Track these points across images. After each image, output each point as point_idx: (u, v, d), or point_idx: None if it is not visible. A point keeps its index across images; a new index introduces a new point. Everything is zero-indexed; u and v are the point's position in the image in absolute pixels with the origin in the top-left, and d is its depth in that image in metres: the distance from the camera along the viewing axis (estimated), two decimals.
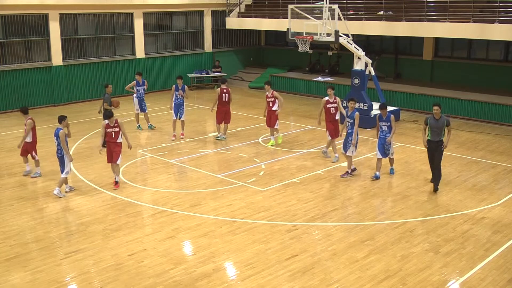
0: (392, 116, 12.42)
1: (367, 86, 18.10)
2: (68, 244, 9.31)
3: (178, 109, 15.96)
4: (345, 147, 12.64)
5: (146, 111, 17.46)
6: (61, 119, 11.50)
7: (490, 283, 7.98)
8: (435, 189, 11.62)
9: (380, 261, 8.66)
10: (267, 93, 15.11)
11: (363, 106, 17.42)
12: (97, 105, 21.36)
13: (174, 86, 15.98)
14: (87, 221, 10.28)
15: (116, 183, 12.01)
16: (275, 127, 15.20)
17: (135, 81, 17.19)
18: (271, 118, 15.08)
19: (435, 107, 11.29)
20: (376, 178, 12.49)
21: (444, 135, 11.44)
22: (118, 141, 11.91)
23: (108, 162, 12.06)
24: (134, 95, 17.23)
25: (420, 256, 8.81)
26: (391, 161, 12.92)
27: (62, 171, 11.52)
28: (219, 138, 16.14)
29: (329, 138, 13.88)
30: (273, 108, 15.02)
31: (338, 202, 11.32)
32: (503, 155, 14.49)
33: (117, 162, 11.93)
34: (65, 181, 11.66)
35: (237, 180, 12.46)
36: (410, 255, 8.84)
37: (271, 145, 15.25)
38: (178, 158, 14.21)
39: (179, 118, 16.06)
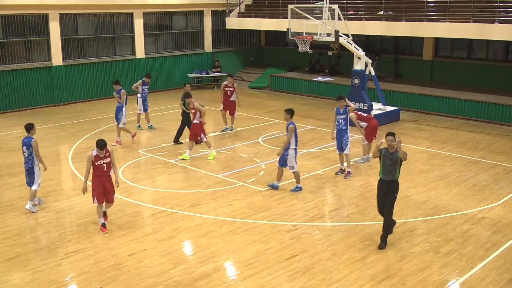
0: (290, 126, 11.29)
1: (367, 86, 18.11)
2: (68, 244, 9.31)
3: (117, 113, 15.48)
4: (342, 146, 12.59)
5: (148, 111, 17.44)
6: (30, 127, 10.66)
7: (490, 283, 7.98)
8: (381, 246, 9.06)
9: (380, 261, 8.66)
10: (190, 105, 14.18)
11: (363, 106, 17.41)
12: (97, 105, 21.43)
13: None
14: (87, 221, 10.27)
15: (104, 225, 9.88)
16: (204, 140, 14.08)
17: (141, 81, 17.07)
18: (193, 131, 14.01)
19: (389, 137, 8.85)
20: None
21: (398, 174, 8.97)
22: (110, 173, 9.84)
23: (99, 203, 9.77)
24: (139, 94, 17.06)
25: (420, 256, 8.81)
26: (295, 176, 11.69)
27: (30, 183, 10.64)
28: (224, 131, 16.69)
29: (365, 142, 13.78)
30: (194, 121, 13.96)
31: (338, 202, 11.33)
32: (503, 155, 14.49)
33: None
34: (35, 194, 10.82)
35: (237, 180, 12.46)
36: (410, 255, 8.84)
37: (212, 158, 14.10)
38: (178, 158, 14.19)
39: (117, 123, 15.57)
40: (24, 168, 10.72)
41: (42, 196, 11.43)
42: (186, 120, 15.23)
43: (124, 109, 15.37)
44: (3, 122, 18.53)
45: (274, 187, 11.85)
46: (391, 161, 8.85)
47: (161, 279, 8.13)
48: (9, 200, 11.37)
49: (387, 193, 9.07)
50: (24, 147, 10.56)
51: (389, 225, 9.15)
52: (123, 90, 15.35)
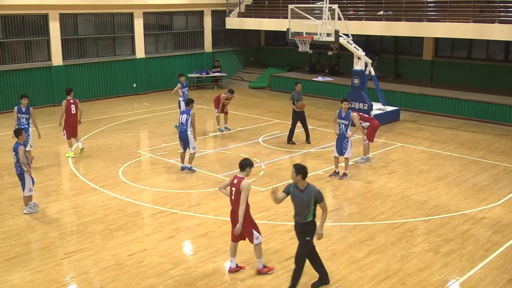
0: (189, 114, 12.68)
1: (367, 86, 18.10)
2: (68, 244, 9.31)
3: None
4: (341, 149, 12.53)
5: None
6: (18, 133, 10.43)
7: (490, 283, 7.98)
8: None
9: (380, 261, 8.66)
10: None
11: (363, 106, 17.42)
12: (97, 105, 21.44)
13: (16, 107, 13.49)
14: (87, 221, 10.27)
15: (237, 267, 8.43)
16: (64, 137, 14.24)
17: (179, 84, 16.80)
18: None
19: (292, 169, 7.38)
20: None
21: (312, 215, 7.42)
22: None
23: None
24: (180, 98, 16.81)
25: (420, 256, 8.81)
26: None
27: (23, 189, 10.53)
28: (222, 131, 16.80)
29: (366, 142, 13.77)
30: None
31: (338, 202, 11.32)
32: (503, 155, 14.49)
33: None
34: (29, 199, 10.65)
35: None
36: (410, 255, 8.84)
37: (68, 156, 14.26)
38: (178, 158, 14.18)
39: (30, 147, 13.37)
40: (16, 174, 10.63)
41: (42, 196, 11.43)
42: (296, 119, 15.39)
43: (30, 130, 13.30)
44: (3, 122, 18.52)
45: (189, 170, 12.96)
46: (300, 200, 7.36)
47: (161, 279, 8.13)
48: (9, 200, 11.37)
49: (298, 236, 7.65)
50: (13, 153, 10.45)
51: (298, 274, 7.60)
52: (31, 108, 13.50)
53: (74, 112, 14.05)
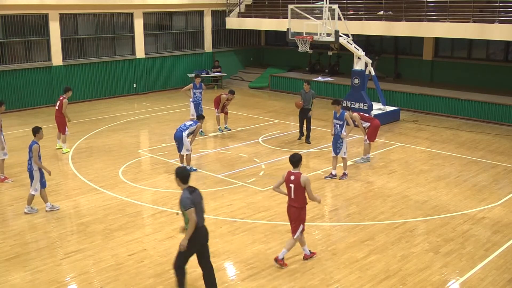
0: (196, 124, 13.07)
1: (367, 86, 18.10)
2: (68, 244, 9.31)
3: None
4: (336, 149, 12.52)
5: None
6: (36, 131, 10.54)
7: (490, 283, 7.98)
8: None
9: (380, 261, 8.66)
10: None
11: (363, 106, 17.42)
12: (97, 105, 21.45)
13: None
14: (87, 221, 10.27)
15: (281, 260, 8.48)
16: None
17: (192, 84, 16.53)
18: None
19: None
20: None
21: (186, 223, 7.08)
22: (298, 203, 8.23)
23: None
24: (190, 99, 16.60)
25: (420, 256, 8.81)
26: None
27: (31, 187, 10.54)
28: (222, 131, 16.83)
29: (366, 142, 13.78)
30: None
31: (338, 202, 11.33)
32: (503, 155, 14.50)
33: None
34: (33, 198, 10.59)
35: (237, 180, 12.45)
36: (410, 255, 8.85)
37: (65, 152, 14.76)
38: (178, 158, 14.18)
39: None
40: (27, 171, 10.65)
41: None
42: (301, 117, 15.65)
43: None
44: (3, 122, 18.44)
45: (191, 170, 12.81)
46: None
47: (161, 279, 8.13)
48: (9, 200, 11.37)
49: (205, 243, 7.35)
50: (28, 150, 10.53)
51: (181, 278, 7.38)
52: None
53: (57, 108, 14.74)
